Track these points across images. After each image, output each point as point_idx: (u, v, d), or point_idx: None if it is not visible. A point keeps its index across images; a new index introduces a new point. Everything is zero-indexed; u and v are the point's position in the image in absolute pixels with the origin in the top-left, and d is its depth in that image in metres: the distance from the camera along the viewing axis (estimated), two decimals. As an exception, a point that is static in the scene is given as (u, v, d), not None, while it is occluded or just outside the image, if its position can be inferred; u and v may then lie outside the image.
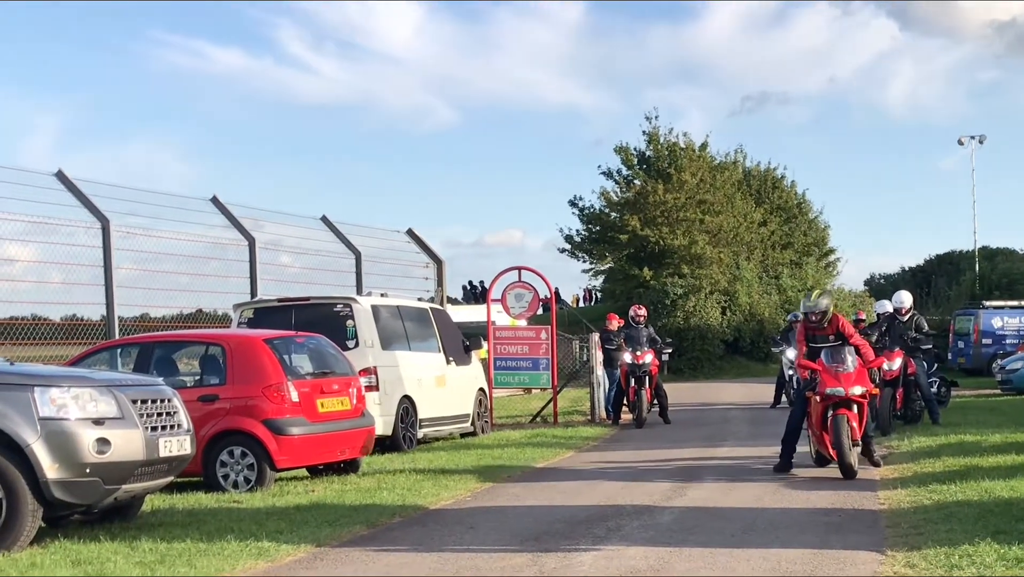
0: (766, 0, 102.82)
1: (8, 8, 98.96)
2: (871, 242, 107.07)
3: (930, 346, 22.41)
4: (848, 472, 14.55)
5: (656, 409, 25.34)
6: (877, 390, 16.09)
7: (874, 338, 21.97)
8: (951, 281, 59.75)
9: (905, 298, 22.03)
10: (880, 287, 61.46)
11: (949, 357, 41.49)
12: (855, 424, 14.80)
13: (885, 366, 20.61)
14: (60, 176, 19.02)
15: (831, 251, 64.68)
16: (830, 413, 14.84)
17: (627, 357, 25.06)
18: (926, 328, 21.96)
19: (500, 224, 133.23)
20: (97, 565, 9.80)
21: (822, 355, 15.22)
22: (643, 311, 26.57)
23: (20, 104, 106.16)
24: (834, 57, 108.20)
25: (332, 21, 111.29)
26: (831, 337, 15.34)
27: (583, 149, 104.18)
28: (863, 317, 28.27)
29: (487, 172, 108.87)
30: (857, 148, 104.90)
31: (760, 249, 57.27)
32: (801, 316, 16.11)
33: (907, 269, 68.80)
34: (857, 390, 14.89)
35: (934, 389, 22.96)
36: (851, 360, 15.09)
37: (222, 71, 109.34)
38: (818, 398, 15.04)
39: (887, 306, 23.18)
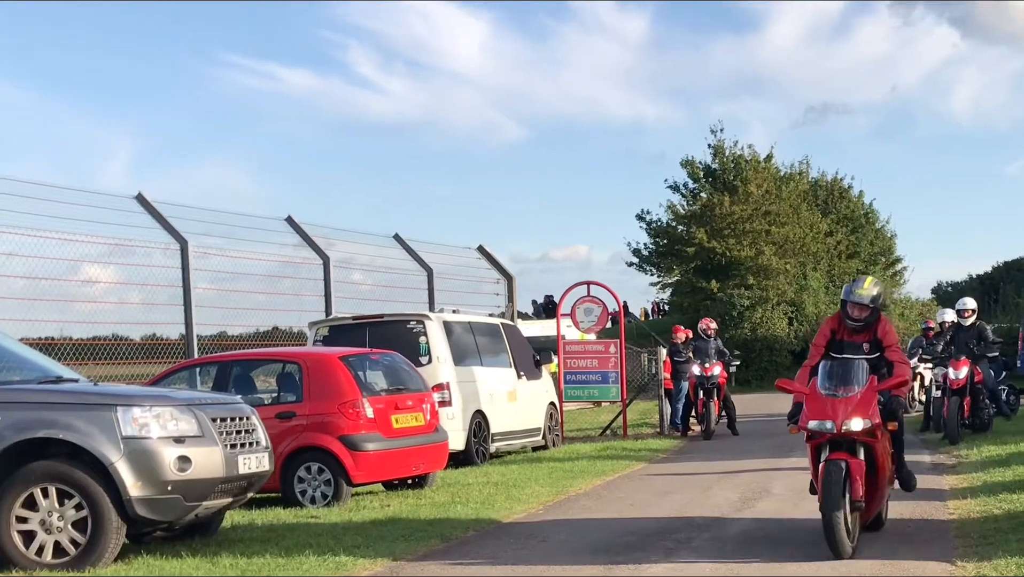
0: (829, 5, 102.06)
1: (85, 35, 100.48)
2: (938, 250, 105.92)
3: (996, 353, 22.34)
4: (835, 548, 10.06)
5: (724, 421, 25.41)
6: (893, 425, 10.87)
7: (940, 347, 21.95)
8: (1020, 288, 58.99)
9: (968, 302, 21.96)
10: (947, 295, 60.93)
11: (1018, 364, 41.06)
12: (858, 476, 10.24)
13: (952, 375, 20.59)
14: (140, 199, 19.34)
15: (898, 260, 64.27)
16: (823, 456, 10.48)
17: (695, 369, 25.15)
18: (991, 336, 21.89)
19: (566, 239, 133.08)
20: (179, 581, 9.96)
21: (820, 370, 10.94)
22: (713, 324, 26.66)
23: (98, 129, 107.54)
24: (896, 66, 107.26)
25: (399, 40, 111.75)
26: (865, 346, 11.20)
27: (647, 163, 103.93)
28: (932, 325, 28.10)
29: (553, 187, 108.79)
30: (921, 156, 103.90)
31: (826, 259, 57.02)
32: (840, 306, 11.53)
33: (974, 277, 68.03)
34: (855, 425, 10.33)
35: (1002, 398, 22.99)
36: (861, 378, 10.71)
37: (293, 92, 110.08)
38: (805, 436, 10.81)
39: (948, 315, 23.06)
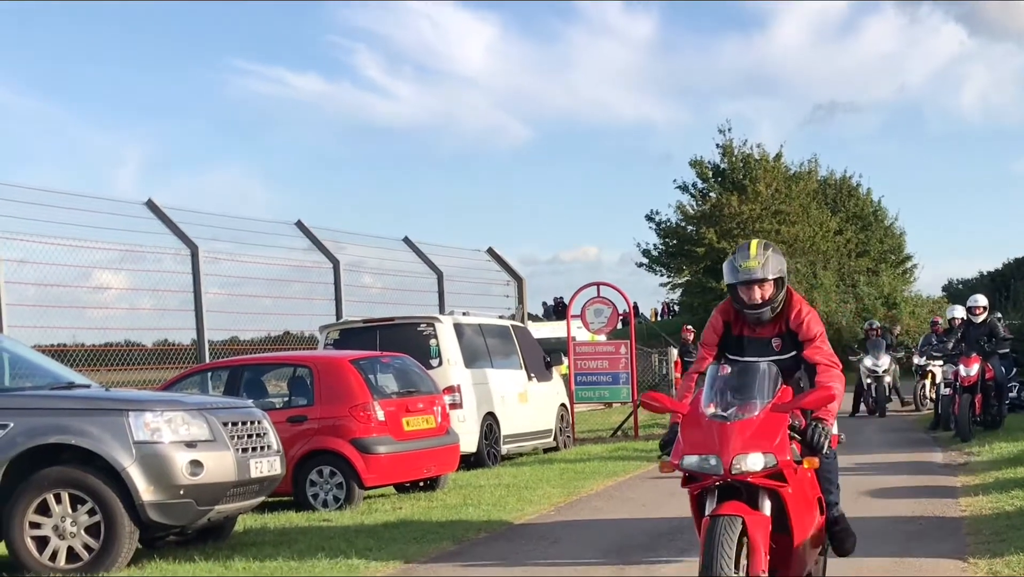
0: (835, 4, 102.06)
1: (92, 43, 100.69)
2: (948, 247, 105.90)
3: (1007, 350, 22.33)
4: None
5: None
6: (814, 462, 7.34)
7: (951, 345, 21.92)
8: (1031, 284, 58.94)
9: (980, 299, 21.94)
10: (958, 292, 60.78)
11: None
12: (759, 542, 6.89)
13: (963, 372, 20.56)
14: (150, 205, 19.40)
15: (908, 258, 64.25)
16: (707, 508, 7.18)
17: (707, 369, 25.10)
18: (1003, 332, 21.87)
19: (575, 240, 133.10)
20: (193, 585, 10.00)
21: (707, 381, 7.57)
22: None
23: (108, 136, 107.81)
24: (904, 64, 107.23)
25: (407, 44, 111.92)
26: (774, 343, 8.05)
27: (655, 163, 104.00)
28: (939, 321, 28.04)
29: (562, 189, 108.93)
30: (930, 154, 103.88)
31: (836, 258, 57.02)
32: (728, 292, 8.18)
33: (985, 273, 67.95)
34: (753, 463, 7.01)
35: (1013, 393, 22.98)
36: (766, 390, 7.34)
37: (302, 97, 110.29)
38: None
39: (958, 311, 23.04)
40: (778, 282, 7.89)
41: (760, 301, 7.87)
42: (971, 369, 20.69)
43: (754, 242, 8.01)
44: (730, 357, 8.10)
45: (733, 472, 6.99)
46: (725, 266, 8.03)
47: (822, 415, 7.44)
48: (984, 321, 21.47)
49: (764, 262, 7.80)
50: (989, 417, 21.32)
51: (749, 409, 7.20)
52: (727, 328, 8.18)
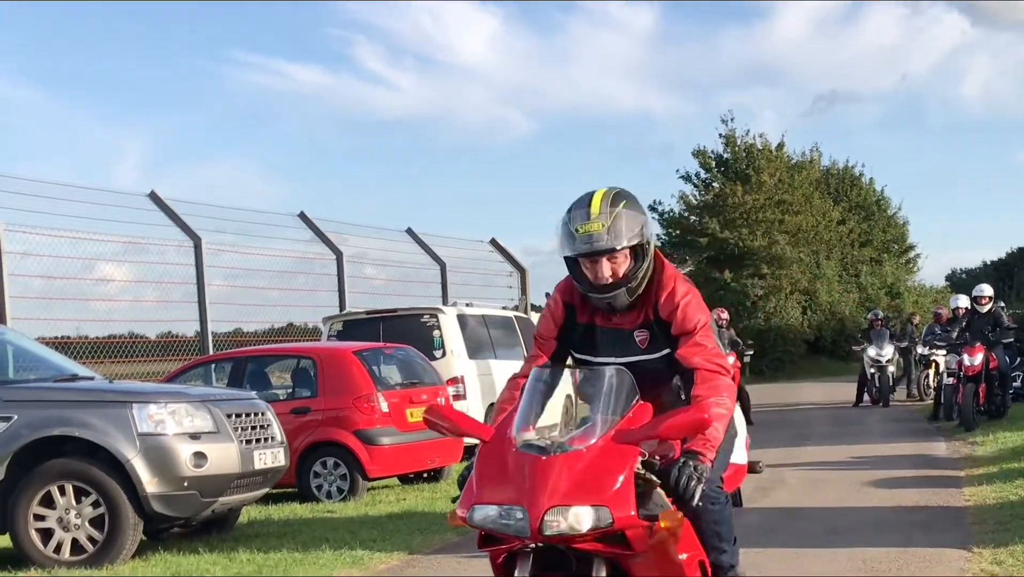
0: (836, 0, 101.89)
1: (92, 36, 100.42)
2: (951, 237, 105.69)
3: (1011, 340, 22.33)
4: None
5: (740, 411, 25.31)
6: (671, 517, 4.90)
7: (955, 334, 21.91)
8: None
9: (985, 288, 21.93)
10: (962, 282, 60.79)
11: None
12: None
13: (967, 361, 20.57)
14: (153, 197, 19.41)
15: (911, 247, 64.10)
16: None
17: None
18: (1007, 321, 21.86)
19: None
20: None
21: (526, 391, 5.47)
22: (726, 314, 26.61)
23: (109, 129, 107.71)
24: (906, 54, 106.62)
25: (408, 36, 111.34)
26: (638, 337, 5.51)
27: (655, 154, 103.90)
28: (942, 311, 28.00)
29: (563, 180, 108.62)
30: (932, 144, 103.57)
31: (839, 247, 56.88)
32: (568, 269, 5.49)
33: (988, 263, 67.91)
34: (579, 520, 4.68)
35: (1017, 383, 22.98)
36: (611, 408, 5.07)
37: (303, 89, 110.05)
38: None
39: (962, 300, 23.03)
40: (637, 251, 5.32)
41: (610, 280, 5.32)
42: (975, 358, 20.66)
43: (598, 193, 5.33)
44: (576, 357, 5.76)
45: (546, 532, 4.69)
46: (559, 228, 5.37)
47: (696, 447, 5.04)
48: (989, 311, 21.46)
49: (612, 222, 5.22)
50: (993, 407, 21.30)
51: (583, 437, 4.94)
52: (570, 314, 5.65)
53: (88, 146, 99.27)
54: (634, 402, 5.15)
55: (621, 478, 4.76)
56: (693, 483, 4.88)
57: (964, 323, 21.97)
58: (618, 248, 5.24)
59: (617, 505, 4.70)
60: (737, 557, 5.77)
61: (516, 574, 4.88)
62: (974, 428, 19.69)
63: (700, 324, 5.49)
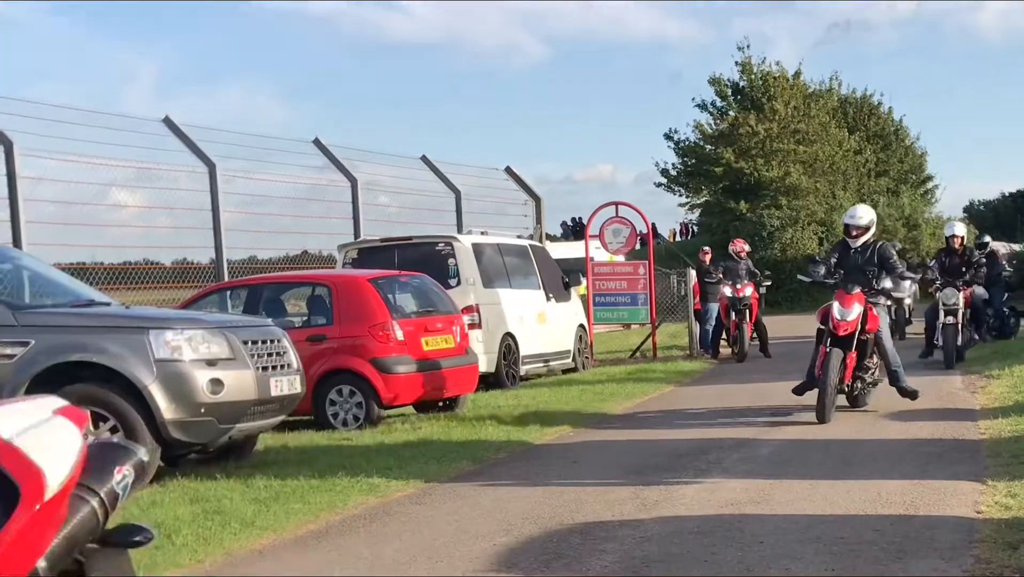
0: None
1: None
2: (969, 168, 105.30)
3: (1007, 274, 22.83)
4: None
5: (756, 343, 25.39)
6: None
7: (933, 273, 21.70)
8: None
9: (957, 228, 22.31)
10: (980, 214, 60.57)
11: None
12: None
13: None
14: (167, 122, 19.32)
15: (928, 178, 63.82)
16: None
17: (727, 291, 24.98)
18: (979, 258, 22.20)
19: (590, 160, 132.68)
20: (214, 502, 10.04)
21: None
22: (746, 245, 26.47)
23: (120, 52, 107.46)
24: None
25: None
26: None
27: (670, 81, 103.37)
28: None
29: (576, 107, 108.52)
30: (950, 72, 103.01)
31: (856, 178, 56.66)
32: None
33: (1007, 195, 67.39)
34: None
35: (1012, 321, 23.47)
36: None
37: (316, 12, 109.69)
38: None
39: (958, 228, 22.71)
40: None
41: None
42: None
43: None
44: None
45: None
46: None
47: None
48: (956, 250, 21.63)
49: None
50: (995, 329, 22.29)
51: None
52: None
53: (98, 69, 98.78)
54: None
55: None
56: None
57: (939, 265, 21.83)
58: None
59: None
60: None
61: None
62: (953, 366, 19.90)
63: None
